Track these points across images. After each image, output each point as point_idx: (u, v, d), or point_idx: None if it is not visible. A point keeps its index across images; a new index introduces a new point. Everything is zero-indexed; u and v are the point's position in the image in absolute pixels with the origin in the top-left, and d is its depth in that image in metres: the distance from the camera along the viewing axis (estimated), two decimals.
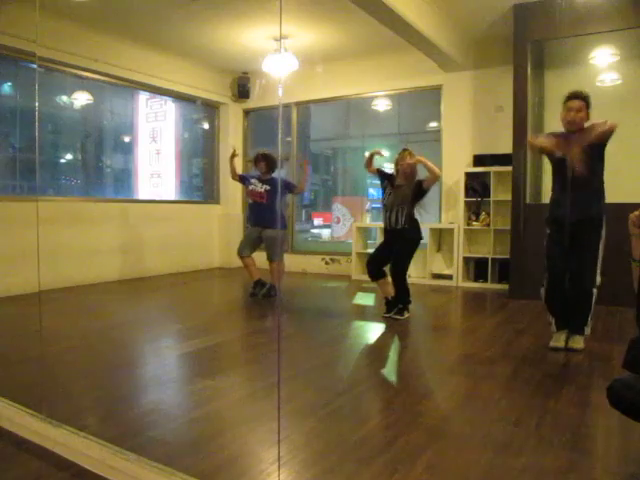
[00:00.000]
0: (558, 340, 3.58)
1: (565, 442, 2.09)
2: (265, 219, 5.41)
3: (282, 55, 6.32)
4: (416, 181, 4.39)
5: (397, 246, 4.46)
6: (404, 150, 4.48)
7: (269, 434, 2.11)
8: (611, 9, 4.93)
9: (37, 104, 3.08)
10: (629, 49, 5.48)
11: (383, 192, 4.57)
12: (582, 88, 3.53)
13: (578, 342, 3.50)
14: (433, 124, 7.34)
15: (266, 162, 5.44)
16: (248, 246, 5.51)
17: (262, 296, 5.41)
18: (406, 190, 4.37)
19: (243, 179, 5.72)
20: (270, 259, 5.44)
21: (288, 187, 5.58)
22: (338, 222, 8.15)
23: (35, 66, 4.82)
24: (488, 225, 6.35)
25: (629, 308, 3.66)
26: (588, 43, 5.52)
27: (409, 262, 4.53)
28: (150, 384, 2.98)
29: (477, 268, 6.50)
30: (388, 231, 4.54)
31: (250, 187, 5.50)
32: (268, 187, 5.38)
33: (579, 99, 3.39)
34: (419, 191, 4.38)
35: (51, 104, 6.60)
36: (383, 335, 4.33)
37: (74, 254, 6.09)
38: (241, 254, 5.52)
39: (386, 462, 1.94)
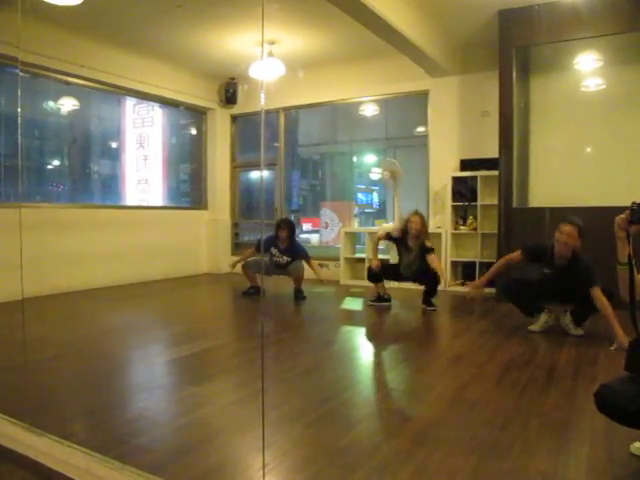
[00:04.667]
0: (538, 323, 4.18)
1: (551, 445, 2.11)
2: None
3: (266, 60, 6.33)
4: (426, 247, 5.16)
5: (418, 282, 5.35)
6: (415, 213, 5.18)
7: (256, 441, 2.10)
8: (594, 16, 5.00)
9: (19, 110, 3.05)
10: (612, 55, 5.55)
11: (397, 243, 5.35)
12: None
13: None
14: (420, 129, 7.38)
15: (287, 229, 5.77)
16: (258, 267, 5.82)
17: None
18: (417, 252, 5.15)
19: (266, 248, 5.95)
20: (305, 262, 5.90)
21: (305, 257, 5.95)
22: (326, 227, 8.15)
23: (18, 71, 4.78)
24: (475, 229, 6.38)
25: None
26: (572, 49, 5.59)
27: None
28: (136, 391, 2.95)
29: (465, 272, 6.54)
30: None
31: (273, 258, 5.87)
32: (289, 259, 5.81)
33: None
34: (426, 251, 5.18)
35: (37, 110, 6.55)
36: (370, 340, 4.34)
37: (61, 261, 6.04)
38: (251, 271, 5.85)
39: (373, 468, 1.93)
